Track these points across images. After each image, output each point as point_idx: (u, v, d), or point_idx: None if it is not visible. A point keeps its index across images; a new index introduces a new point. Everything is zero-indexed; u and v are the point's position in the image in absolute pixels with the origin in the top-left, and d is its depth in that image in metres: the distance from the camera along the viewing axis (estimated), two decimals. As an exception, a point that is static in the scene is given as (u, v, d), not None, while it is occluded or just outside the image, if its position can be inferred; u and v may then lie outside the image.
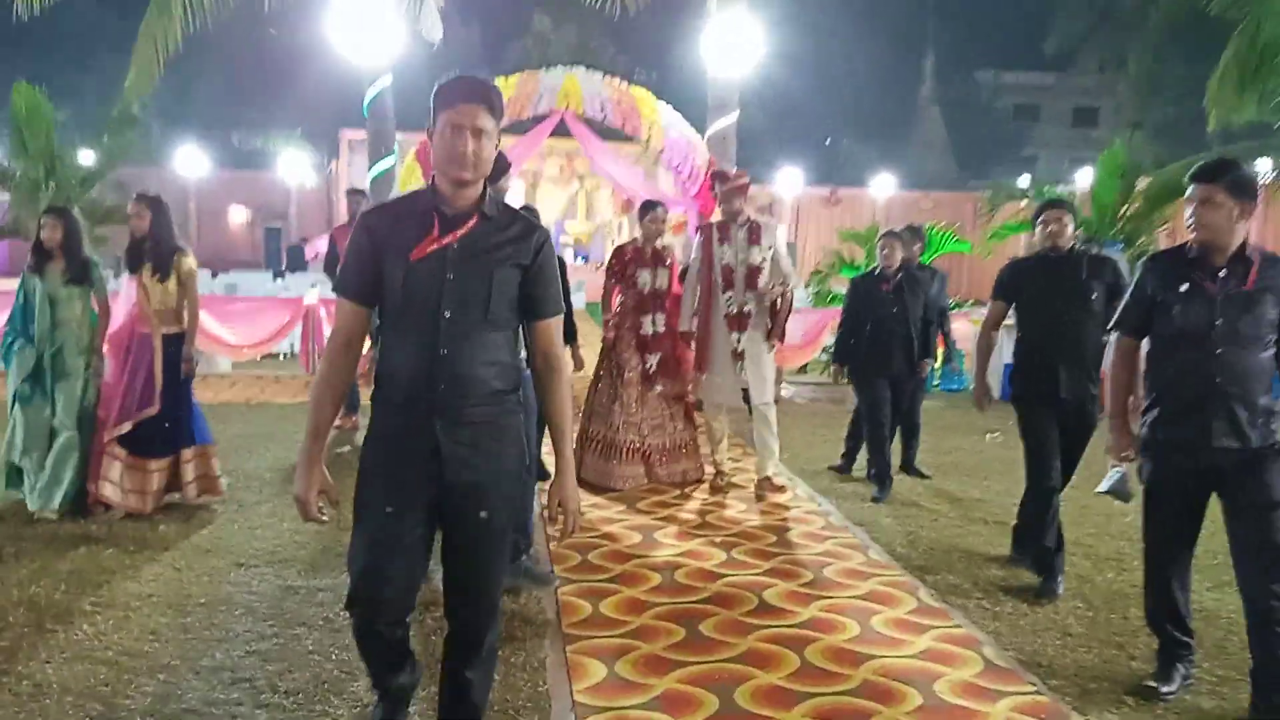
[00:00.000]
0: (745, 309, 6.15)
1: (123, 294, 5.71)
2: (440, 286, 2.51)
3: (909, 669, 3.61)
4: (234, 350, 11.27)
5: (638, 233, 6.48)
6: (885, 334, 6.40)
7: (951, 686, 3.45)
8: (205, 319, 10.92)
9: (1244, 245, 3.41)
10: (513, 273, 2.58)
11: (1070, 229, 4.73)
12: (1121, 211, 12.17)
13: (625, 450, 6.38)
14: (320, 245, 15.18)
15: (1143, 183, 12.46)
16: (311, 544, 4.99)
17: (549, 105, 10.38)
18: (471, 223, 2.54)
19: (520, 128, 11.11)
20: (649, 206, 6.45)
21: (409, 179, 10.29)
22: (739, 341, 6.16)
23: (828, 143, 40.23)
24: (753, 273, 6.13)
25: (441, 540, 2.67)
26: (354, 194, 8.66)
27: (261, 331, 10.91)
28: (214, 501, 5.71)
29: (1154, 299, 3.54)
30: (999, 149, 40.40)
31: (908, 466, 6.92)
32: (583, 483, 6.21)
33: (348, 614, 2.69)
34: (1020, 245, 15.40)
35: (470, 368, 2.54)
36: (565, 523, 2.66)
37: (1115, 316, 3.75)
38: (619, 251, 6.59)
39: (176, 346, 5.49)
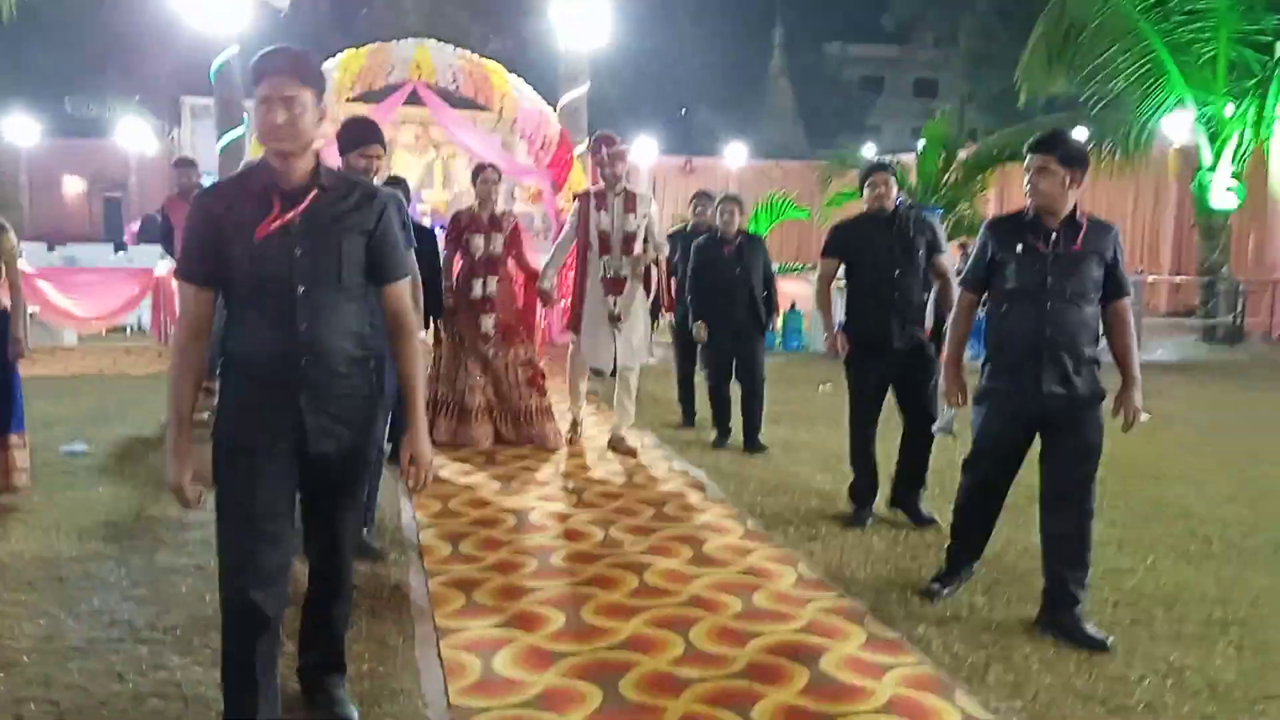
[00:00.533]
0: (621, 274, 6.36)
1: None
2: (290, 262, 2.55)
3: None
4: (81, 323, 11.09)
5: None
6: (727, 294, 6.73)
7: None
8: (50, 291, 10.73)
9: (1074, 211, 3.72)
10: (359, 240, 2.64)
11: (894, 191, 5.10)
12: (944, 179, 13.10)
13: (474, 412, 6.59)
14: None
15: (965, 153, 13.43)
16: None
17: (401, 76, 10.52)
18: (311, 196, 2.58)
19: (373, 98, 11.19)
20: (479, 169, 6.57)
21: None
22: (615, 305, 6.38)
23: (683, 113, 40.91)
24: (628, 239, 6.34)
25: (303, 506, 2.80)
26: (183, 164, 8.22)
27: (109, 304, 10.78)
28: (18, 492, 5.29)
29: (993, 259, 3.86)
30: (846, 119, 41.87)
31: (750, 438, 6.79)
32: (437, 444, 6.36)
33: (220, 608, 2.68)
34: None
35: (330, 339, 2.60)
36: (418, 475, 2.77)
37: (961, 274, 4.09)
38: (455, 218, 6.76)
39: None
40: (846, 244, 5.21)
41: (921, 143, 13.96)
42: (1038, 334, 3.73)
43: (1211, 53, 11.91)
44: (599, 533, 4.91)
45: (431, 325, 6.29)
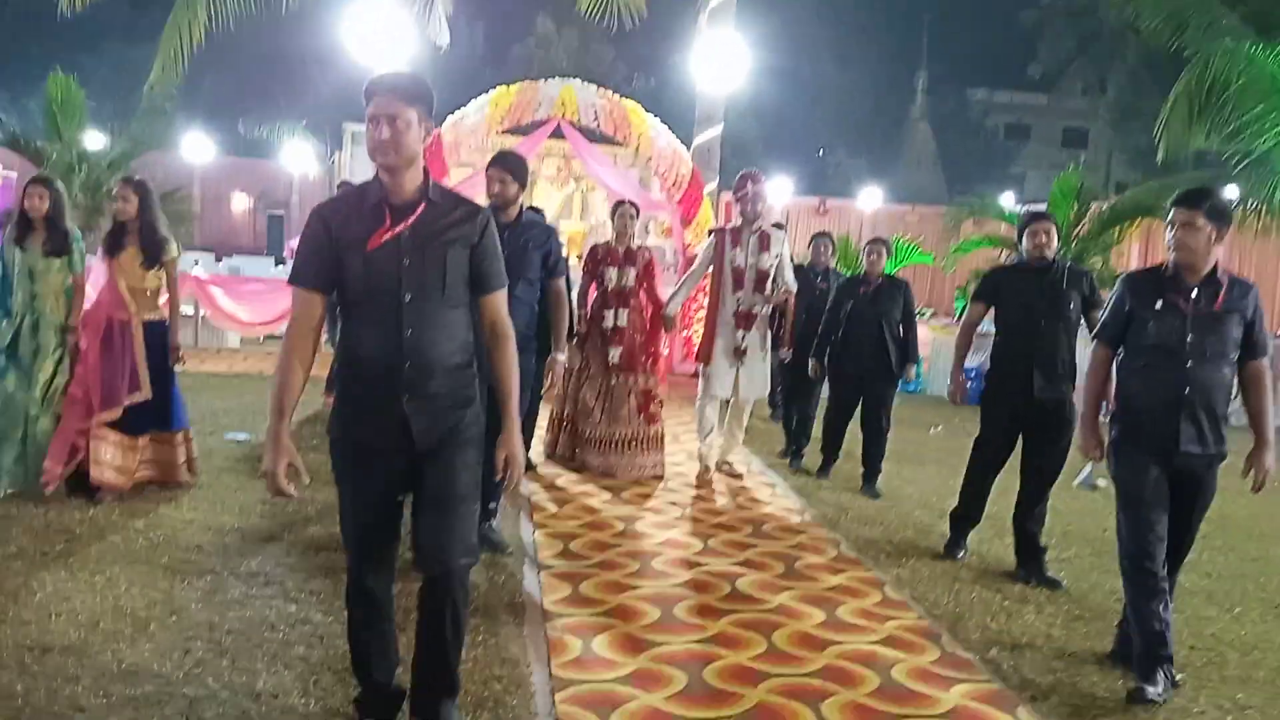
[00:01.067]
0: (753, 309, 6.57)
1: (93, 275, 5.57)
2: (398, 272, 2.71)
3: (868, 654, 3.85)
4: (244, 327, 12.05)
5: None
6: (860, 334, 6.72)
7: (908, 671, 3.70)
8: (219, 296, 11.73)
9: (1215, 267, 3.72)
10: (463, 252, 2.79)
11: (1055, 240, 5.00)
12: (1075, 232, 13.01)
13: (589, 438, 6.76)
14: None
15: (1101, 205, 13.30)
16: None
17: (547, 112, 11.17)
18: (420, 210, 2.75)
19: (520, 132, 11.87)
20: (618, 205, 6.86)
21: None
22: (743, 339, 6.57)
23: (820, 154, 41.12)
24: (761, 276, 6.53)
25: (415, 502, 2.87)
26: (345, 186, 9.03)
27: (270, 311, 11.68)
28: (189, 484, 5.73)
29: (1131, 314, 3.82)
30: (988, 166, 41.30)
31: (869, 481, 6.77)
32: (557, 458, 6.97)
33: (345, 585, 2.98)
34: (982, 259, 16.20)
35: (432, 346, 2.75)
36: (510, 474, 2.89)
37: (1096, 328, 4.07)
38: (593, 251, 6.93)
39: (157, 332, 5.48)
40: (997, 290, 5.18)
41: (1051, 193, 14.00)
42: (1176, 392, 3.70)
43: (1364, 112, 11.57)
44: (698, 543, 5.25)
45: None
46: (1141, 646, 3.67)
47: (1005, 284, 5.15)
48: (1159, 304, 3.73)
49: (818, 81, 35.67)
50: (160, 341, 5.53)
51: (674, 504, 6.07)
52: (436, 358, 2.77)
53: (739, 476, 6.87)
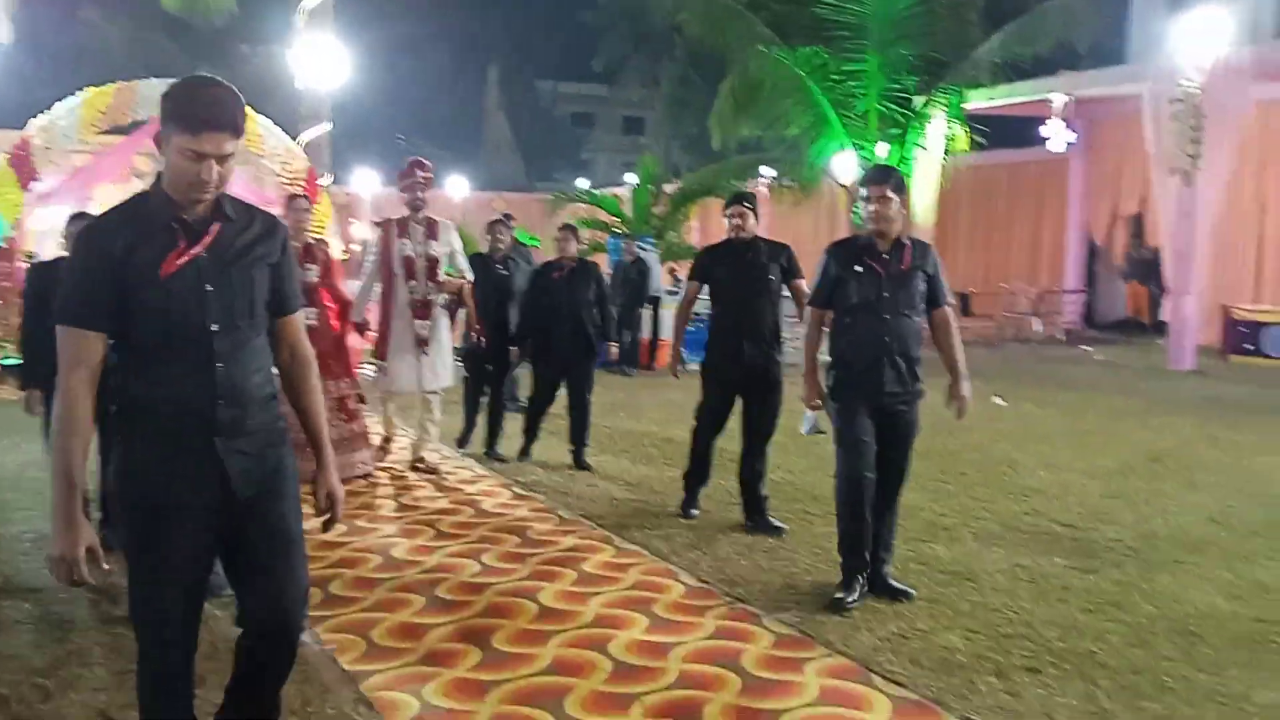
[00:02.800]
0: (429, 298, 6.58)
1: None
2: (201, 299, 2.39)
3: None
4: None
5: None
6: (561, 319, 6.88)
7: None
8: None
9: (903, 234, 4.34)
10: (265, 272, 2.52)
11: (751, 220, 5.47)
12: (653, 211, 14.88)
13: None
14: None
15: (670, 188, 15.27)
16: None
17: (147, 113, 10.87)
18: (216, 228, 2.44)
19: (121, 131, 11.43)
20: (291, 199, 6.57)
21: (3, 185, 10.36)
22: (422, 329, 6.58)
23: (401, 141, 41.48)
24: (433, 264, 6.58)
25: (235, 560, 2.56)
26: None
27: None
28: None
29: (837, 279, 4.35)
30: (560, 153, 44.04)
31: (577, 457, 7.01)
32: None
33: (137, 667, 2.56)
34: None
35: (245, 378, 2.45)
36: (335, 511, 2.68)
37: (810, 294, 4.60)
38: None
39: None
40: (708, 268, 5.64)
41: (633, 179, 15.84)
42: (878, 342, 4.27)
43: (865, 106, 14.31)
44: (473, 564, 4.96)
45: None
46: (844, 560, 4.38)
47: (714, 262, 5.63)
48: (859, 268, 4.29)
49: (395, 76, 36.07)
50: None
51: (423, 523, 5.68)
52: (250, 391, 2.48)
53: (435, 471, 6.81)
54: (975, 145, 14.63)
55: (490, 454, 7.27)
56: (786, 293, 5.57)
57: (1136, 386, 11.56)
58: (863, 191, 4.33)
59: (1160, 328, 14.15)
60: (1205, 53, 11.50)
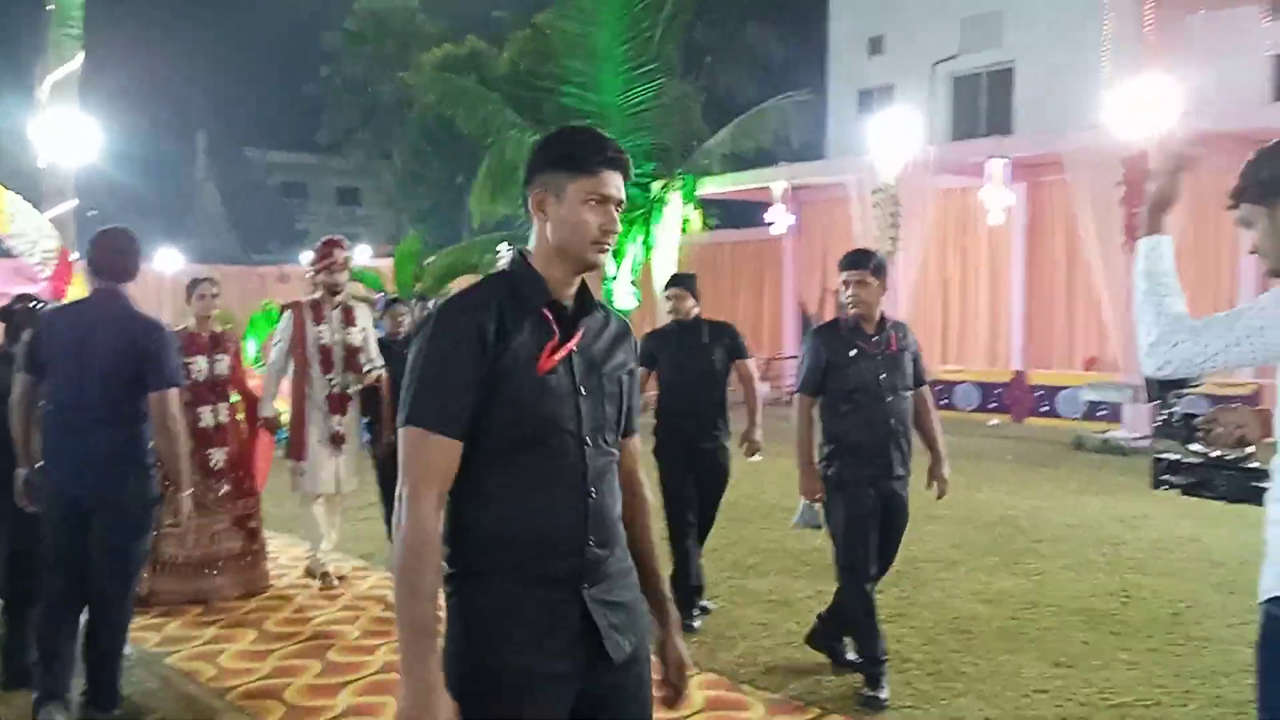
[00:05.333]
0: (347, 390, 6.00)
1: None
2: (576, 407, 1.95)
3: None
4: None
5: None
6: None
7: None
8: None
9: (882, 314, 4.30)
10: (628, 381, 2.09)
11: (689, 302, 5.33)
12: (416, 286, 15.30)
13: (177, 563, 5.66)
14: None
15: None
16: None
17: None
18: (586, 319, 2.03)
19: None
20: (195, 282, 5.89)
21: None
22: (339, 424, 5.98)
23: (90, 214, 38.88)
24: (351, 353, 5.98)
25: None
26: None
27: None
28: None
29: (828, 364, 4.24)
30: (274, 224, 42.85)
31: None
32: (159, 603, 5.58)
33: None
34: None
35: (612, 511, 2.01)
36: (682, 684, 2.15)
37: (798, 381, 4.42)
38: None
39: None
40: (653, 352, 5.39)
41: (363, 247, 16.30)
42: (883, 425, 4.19)
43: (610, 190, 15.47)
44: None
45: None
46: (868, 654, 4.28)
47: (658, 345, 5.43)
48: (853, 352, 4.23)
49: (116, 144, 34.07)
50: None
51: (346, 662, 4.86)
52: (613, 525, 2.02)
53: (335, 584, 6.08)
54: (707, 226, 16.16)
55: None
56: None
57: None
58: (842, 276, 4.27)
59: (870, 386, 16.10)
60: (899, 151, 13.53)
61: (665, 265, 15.97)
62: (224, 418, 5.88)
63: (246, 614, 5.64)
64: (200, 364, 5.78)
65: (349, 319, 6.06)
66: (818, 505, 4.47)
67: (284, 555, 6.81)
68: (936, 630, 5.28)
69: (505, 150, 14.56)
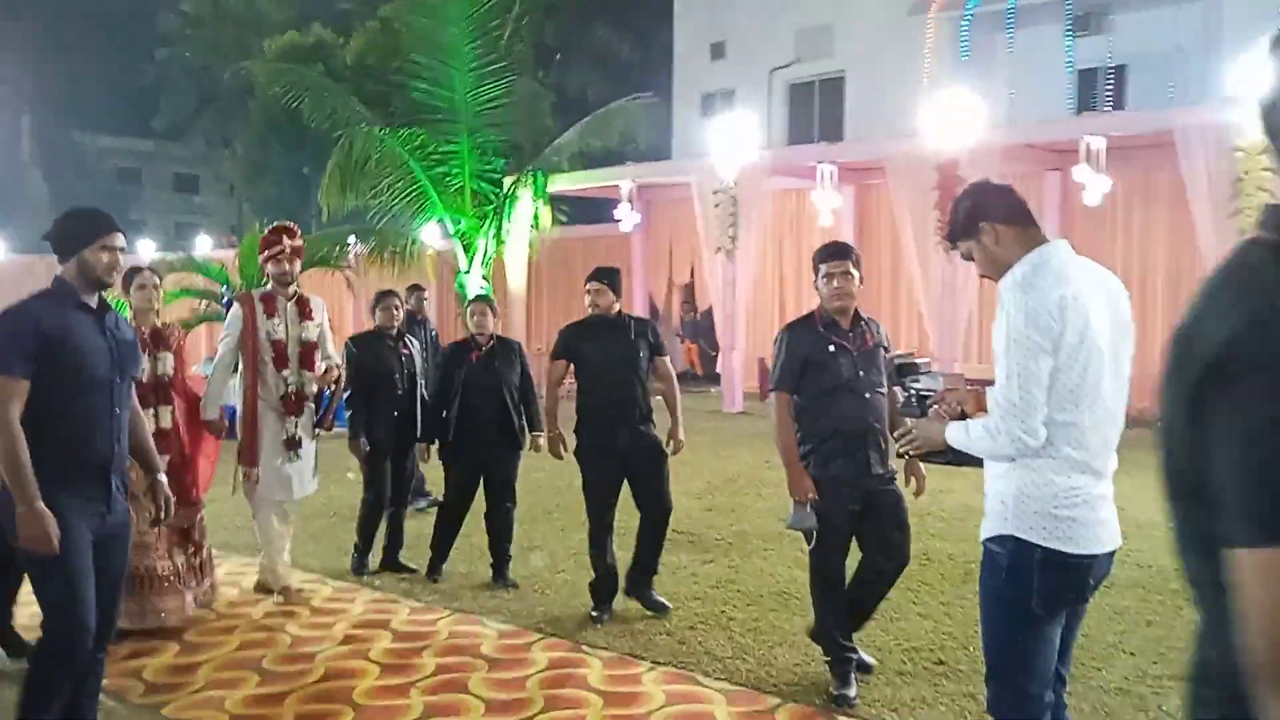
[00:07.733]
0: (304, 389, 5.61)
1: None
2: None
3: None
4: None
5: None
6: (480, 406, 5.86)
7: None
8: None
9: (857, 310, 4.20)
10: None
11: (609, 297, 5.22)
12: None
13: (154, 578, 5.12)
14: None
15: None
16: None
17: None
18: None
19: None
20: (134, 272, 5.21)
21: None
22: (295, 427, 5.60)
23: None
24: (307, 349, 5.58)
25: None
26: None
27: None
28: None
29: (805, 361, 4.11)
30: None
31: (500, 571, 6.04)
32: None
33: None
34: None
35: None
36: None
37: (774, 378, 4.20)
38: None
39: None
40: (573, 347, 5.31)
41: (204, 238, 15.88)
42: (862, 421, 4.10)
43: (460, 184, 15.68)
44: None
45: None
46: (834, 652, 4.31)
47: (579, 340, 5.31)
48: (831, 348, 4.10)
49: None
50: None
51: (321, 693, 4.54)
52: None
53: (292, 595, 5.74)
54: (557, 222, 16.57)
55: (392, 566, 6.30)
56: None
57: (703, 426, 13.81)
58: (822, 268, 4.13)
59: (714, 377, 16.81)
60: (737, 154, 14.26)
61: (516, 259, 16.34)
62: (167, 422, 5.22)
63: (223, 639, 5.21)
64: (143, 362, 5.03)
65: (305, 312, 5.63)
66: (807, 507, 4.23)
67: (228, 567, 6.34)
68: (759, 594, 5.87)
69: (354, 144, 14.59)
